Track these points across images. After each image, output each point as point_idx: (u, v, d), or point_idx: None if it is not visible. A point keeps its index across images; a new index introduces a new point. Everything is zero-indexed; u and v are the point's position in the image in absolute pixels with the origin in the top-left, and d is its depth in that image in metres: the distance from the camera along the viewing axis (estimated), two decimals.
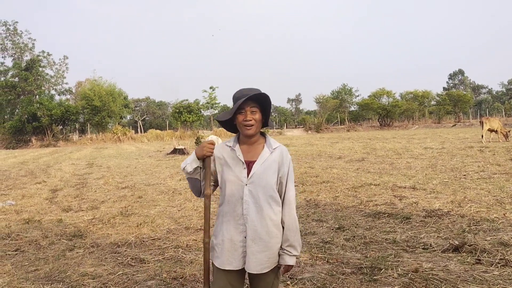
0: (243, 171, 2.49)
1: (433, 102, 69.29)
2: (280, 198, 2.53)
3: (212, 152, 2.56)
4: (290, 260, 2.49)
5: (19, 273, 4.74)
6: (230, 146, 2.56)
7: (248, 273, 2.51)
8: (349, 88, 73.53)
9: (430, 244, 5.12)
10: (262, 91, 2.47)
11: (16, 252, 5.61)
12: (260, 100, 2.48)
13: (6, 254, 5.53)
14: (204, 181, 2.60)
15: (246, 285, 2.64)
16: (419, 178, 9.99)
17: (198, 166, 2.58)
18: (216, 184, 2.65)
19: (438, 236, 5.41)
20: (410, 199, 7.63)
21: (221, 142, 2.71)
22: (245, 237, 2.46)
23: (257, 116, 2.47)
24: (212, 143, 2.59)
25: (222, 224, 2.53)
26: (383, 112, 62.98)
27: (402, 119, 67.76)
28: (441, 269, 4.25)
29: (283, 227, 2.52)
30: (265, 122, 2.54)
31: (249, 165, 2.50)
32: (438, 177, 10.01)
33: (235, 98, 2.49)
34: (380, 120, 64.32)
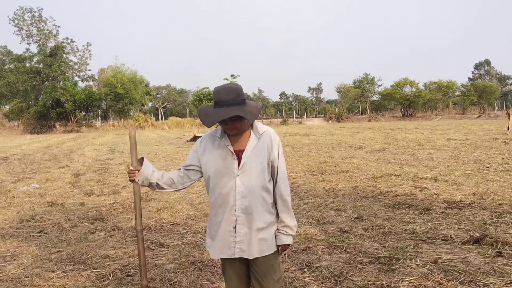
0: (233, 162, 2.48)
1: (457, 93, 67.95)
2: (273, 180, 2.56)
3: (134, 178, 2.64)
4: (286, 239, 2.53)
5: (42, 254, 4.88)
6: (218, 137, 2.55)
7: (249, 260, 2.55)
8: (371, 78, 72.56)
9: (450, 235, 5.05)
10: (238, 106, 2.38)
11: (39, 234, 5.76)
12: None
13: (30, 236, 5.68)
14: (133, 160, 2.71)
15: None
16: (441, 170, 9.84)
17: (146, 183, 2.66)
18: (201, 175, 2.66)
19: (458, 228, 5.34)
20: (431, 190, 7.53)
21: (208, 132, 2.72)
22: (234, 227, 2.48)
23: (239, 124, 2.42)
24: (132, 171, 2.65)
25: (216, 216, 2.55)
26: (405, 102, 62.06)
27: (425, 110, 66.69)
28: (460, 260, 4.20)
29: (276, 210, 2.57)
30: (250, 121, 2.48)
31: (238, 154, 2.49)
32: (460, 169, 9.84)
33: (215, 98, 2.42)
34: (402, 110, 63.44)
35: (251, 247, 2.49)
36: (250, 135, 2.51)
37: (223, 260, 2.62)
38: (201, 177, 2.67)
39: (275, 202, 2.56)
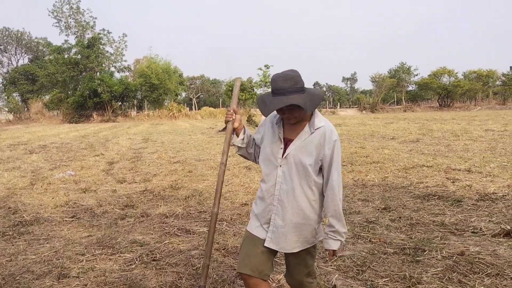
0: (279, 150, 2.45)
1: (498, 82, 65.36)
2: (323, 180, 2.45)
3: (230, 119, 2.60)
4: (334, 245, 2.45)
5: (74, 238, 5.06)
6: (275, 123, 2.52)
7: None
8: (407, 67, 70.82)
9: (480, 228, 4.92)
10: (295, 94, 2.29)
11: (72, 219, 5.97)
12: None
13: (63, 220, 5.90)
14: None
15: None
16: (475, 161, 9.55)
17: (238, 141, 2.63)
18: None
19: (489, 220, 5.19)
20: (464, 182, 7.32)
21: None
22: (269, 218, 2.48)
23: (297, 113, 2.34)
24: (234, 111, 2.61)
25: (262, 199, 2.54)
26: (443, 92, 60.27)
27: (464, 100, 64.63)
28: (489, 253, 4.09)
29: (324, 212, 2.51)
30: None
31: (287, 143, 2.44)
32: (496, 160, 9.52)
33: (272, 86, 2.35)
34: (439, 100, 61.66)
35: (282, 240, 2.45)
36: (305, 126, 2.42)
37: (247, 234, 2.61)
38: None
39: (325, 206, 2.48)
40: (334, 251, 2.47)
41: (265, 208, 2.49)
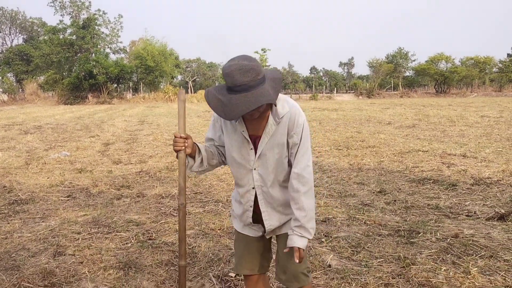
0: (250, 152, 2.17)
1: (495, 69, 65.28)
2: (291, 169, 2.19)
3: (181, 148, 2.14)
4: (299, 242, 2.12)
5: (69, 217, 5.06)
6: None
7: (276, 237, 2.39)
8: (405, 52, 70.43)
9: (475, 211, 4.96)
10: (259, 87, 1.93)
11: (68, 198, 5.97)
12: None
13: (59, 200, 5.89)
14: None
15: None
16: (471, 146, 9.59)
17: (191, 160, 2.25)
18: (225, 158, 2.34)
19: (484, 204, 5.23)
20: (459, 167, 7.36)
21: None
22: (251, 223, 2.33)
23: (262, 107, 2.00)
24: (183, 138, 2.15)
25: (235, 201, 2.45)
26: (440, 78, 60.16)
27: (460, 87, 64.54)
28: (482, 236, 4.13)
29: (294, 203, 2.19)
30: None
31: (255, 142, 2.16)
32: (491, 146, 9.56)
33: (227, 82, 1.95)
34: (436, 86, 61.58)
35: (271, 218, 2.28)
36: (268, 118, 2.11)
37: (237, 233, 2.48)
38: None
39: (291, 195, 2.17)
40: (299, 248, 2.12)
41: (243, 213, 2.33)
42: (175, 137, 2.15)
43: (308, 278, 2.35)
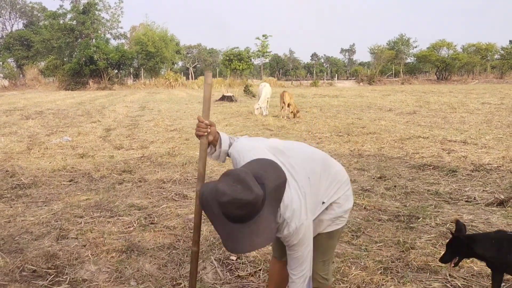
0: None
1: (496, 56, 64.85)
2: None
3: (203, 134, 2.14)
4: None
5: (72, 201, 5.09)
6: None
7: None
8: (406, 39, 69.95)
9: (474, 197, 5.00)
10: (255, 220, 1.77)
11: (70, 183, 6.01)
12: None
13: (61, 184, 5.93)
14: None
15: None
16: (471, 133, 9.60)
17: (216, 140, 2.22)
18: None
19: (483, 190, 5.26)
20: (459, 153, 7.38)
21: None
22: None
23: None
24: (206, 124, 2.14)
25: None
26: (441, 65, 59.84)
27: (462, 73, 64.22)
28: (482, 221, 4.17)
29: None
30: None
31: None
32: (492, 133, 9.57)
33: (223, 211, 1.77)
34: (437, 73, 61.30)
35: None
36: None
37: None
38: None
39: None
40: None
41: None
42: (199, 121, 2.15)
43: (326, 281, 2.29)
